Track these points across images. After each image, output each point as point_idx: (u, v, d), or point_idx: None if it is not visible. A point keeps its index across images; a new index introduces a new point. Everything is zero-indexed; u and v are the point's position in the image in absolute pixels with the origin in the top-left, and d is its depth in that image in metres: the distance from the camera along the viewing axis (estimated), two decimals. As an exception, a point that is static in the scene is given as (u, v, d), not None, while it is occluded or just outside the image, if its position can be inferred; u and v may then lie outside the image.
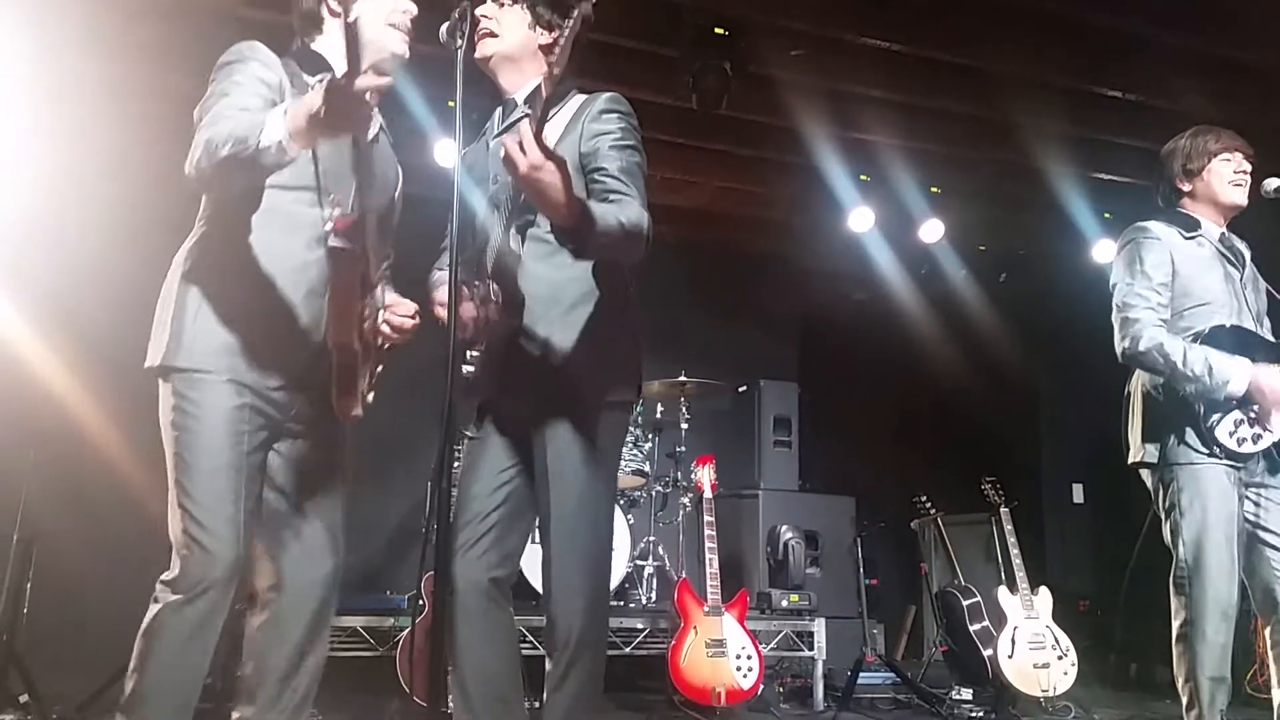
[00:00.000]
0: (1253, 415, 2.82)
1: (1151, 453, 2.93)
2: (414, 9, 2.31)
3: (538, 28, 2.34)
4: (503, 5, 2.35)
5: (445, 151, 5.22)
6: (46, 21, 4.18)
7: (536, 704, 2.28)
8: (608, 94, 2.32)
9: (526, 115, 2.16)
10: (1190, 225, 3.03)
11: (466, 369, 2.23)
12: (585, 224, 1.99)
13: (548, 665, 2.23)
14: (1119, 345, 2.93)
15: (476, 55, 2.33)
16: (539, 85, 2.01)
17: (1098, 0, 4.29)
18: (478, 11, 2.32)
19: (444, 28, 2.04)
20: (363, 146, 2.14)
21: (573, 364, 2.22)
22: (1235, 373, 2.77)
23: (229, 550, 2.05)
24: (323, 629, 2.25)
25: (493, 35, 2.33)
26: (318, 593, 2.21)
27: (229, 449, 2.08)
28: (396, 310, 2.32)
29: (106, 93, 4.72)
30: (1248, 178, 3.03)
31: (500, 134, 2.37)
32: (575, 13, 1.82)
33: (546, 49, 2.29)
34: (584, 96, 2.35)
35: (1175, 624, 2.85)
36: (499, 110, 2.44)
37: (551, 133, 2.26)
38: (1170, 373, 2.83)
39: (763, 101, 4.96)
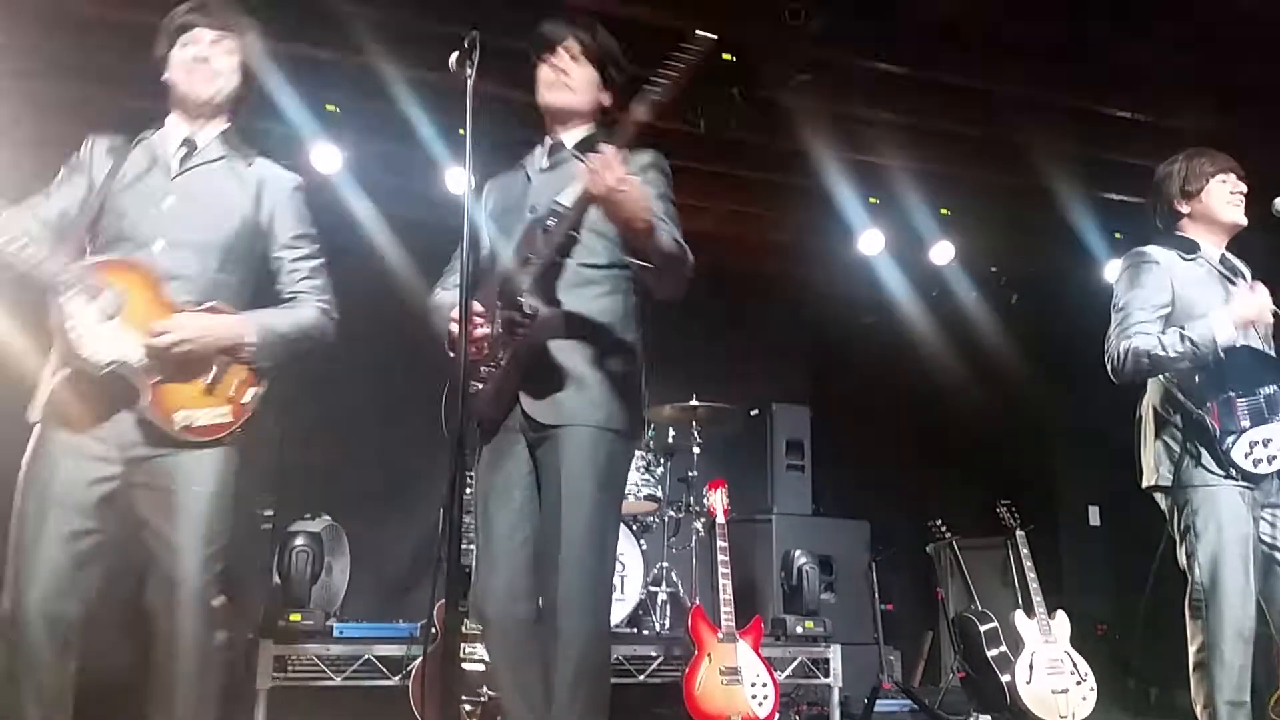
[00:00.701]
0: (1268, 439, 2.80)
1: (1165, 475, 2.92)
2: (205, 54, 2.43)
3: (604, 89, 2.50)
4: (575, 59, 2.44)
5: (457, 178, 5.24)
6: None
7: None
8: (649, 152, 2.46)
9: (584, 155, 2.30)
10: (1189, 247, 3.04)
11: (475, 384, 2.28)
12: (656, 239, 2.19)
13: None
14: (1109, 369, 2.94)
15: (546, 101, 2.47)
16: (592, 134, 2.44)
17: (1104, 23, 4.31)
18: (553, 60, 2.44)
19: (453, 57, 2.07)
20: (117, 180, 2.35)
21: (585, 392, 2.28)
22: (1215, 323, 2.79)
23: (21, 598, 2.15)
24: (211, 664, 2.30)
25: (569, 89, 2.44)
26: (191, 627, 2.26)
27: (37, 506, 2.21)
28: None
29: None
30: (1243, 198, 3.05)
31: (547, 170, 2.47)
32: (651, 97, 2.07)
33: (602, 106, 2.51)
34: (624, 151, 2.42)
35: (1192, 648, 2.82)
36: (540, 149, 2.53)
37: None
38: (1155, 364, 2.84)
39: (771, 126, 4.99)
